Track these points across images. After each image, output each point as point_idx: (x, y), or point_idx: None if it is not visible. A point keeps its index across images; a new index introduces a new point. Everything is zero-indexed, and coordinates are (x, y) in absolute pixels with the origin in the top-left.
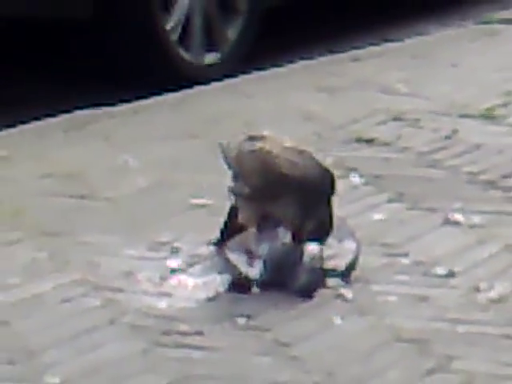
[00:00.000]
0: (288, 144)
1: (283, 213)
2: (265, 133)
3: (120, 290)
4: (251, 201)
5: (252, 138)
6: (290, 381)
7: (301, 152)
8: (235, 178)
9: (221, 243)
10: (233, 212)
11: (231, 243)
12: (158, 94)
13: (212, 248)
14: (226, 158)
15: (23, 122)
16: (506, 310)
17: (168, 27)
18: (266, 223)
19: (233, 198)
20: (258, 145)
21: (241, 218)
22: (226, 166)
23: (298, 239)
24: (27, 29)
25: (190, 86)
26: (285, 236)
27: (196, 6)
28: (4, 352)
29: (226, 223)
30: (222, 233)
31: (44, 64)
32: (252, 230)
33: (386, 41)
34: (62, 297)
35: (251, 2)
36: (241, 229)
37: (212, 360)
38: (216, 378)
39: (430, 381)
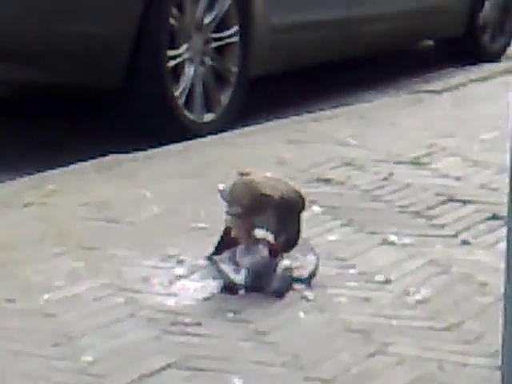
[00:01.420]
0: (268, 175)
1: (265, 225)
2: (250, 170)
3: (139, 291)
4: (242, 218)
5: (241, 174)
6: (266, 361)
7: (278, 180)
8: (230, 205)
9: (216, 255)
10: (226, 231)
11: (223, 256)
12: (168, 144)
13: (208, 260)
14: (222, 194)
15: (68, 164)
16: (428, 308)
17: (176, 94)
18: (249, 241)
19: (228, 219)
20: (246, 177)
21: (234, 233)
22: (222, 200)
23: (274, 254)
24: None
25: (192, 138)
26: (263, 251)
27: (197, 78)
28: (50, 337)
29: (220, 240)
30: (216, 248)
31: (82, 119)
32: (240, 246)
33: (339, 106)
34: (94, 296)
35: (239, 75)
36: (233, 244)
37: (208, 344)
38: (211, 358)
39: (372, 361)
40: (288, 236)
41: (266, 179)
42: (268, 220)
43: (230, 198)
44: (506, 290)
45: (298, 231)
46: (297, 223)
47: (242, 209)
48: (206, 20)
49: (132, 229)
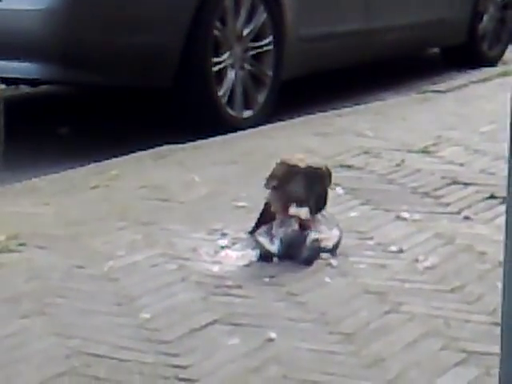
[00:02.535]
0: (301, 156)
1: (295, 191)
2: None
3: (188, 259)
4: (277, 190)
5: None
6: (297, 318)
7: (309, 158)
8: (268, 181)
9: (256, 228)
10: (266, 206)
11: (261, 230)
12: (213, 135)
13: (249, 233)
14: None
15: (129, 153)
16: (435, 274)
17: (220, 94)
18: (284, 215)
19: (268, 194)
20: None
21: (273, 207)
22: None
23: (304, 228)
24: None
25: (234, 131)
26: (295, 225)
27: (238, 81)
28: (115, 297)
29: (260, 216)
30: (256, 223)
31: (142, 116)
32: (276, 220)
33: (358, 104)
34: (151, 263)
35: (273, 78)
36: (270, 219)
37: (247, 304)
38: (249, 315)
39: (387, 318)
40: (316, 198)
41: (298, 158)
42: (297, 185)
43: (269, 175)
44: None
45: (325, 196)
46: (324, 190)
47: (277, 181)
48: (245, 31)
49: (182, 207)
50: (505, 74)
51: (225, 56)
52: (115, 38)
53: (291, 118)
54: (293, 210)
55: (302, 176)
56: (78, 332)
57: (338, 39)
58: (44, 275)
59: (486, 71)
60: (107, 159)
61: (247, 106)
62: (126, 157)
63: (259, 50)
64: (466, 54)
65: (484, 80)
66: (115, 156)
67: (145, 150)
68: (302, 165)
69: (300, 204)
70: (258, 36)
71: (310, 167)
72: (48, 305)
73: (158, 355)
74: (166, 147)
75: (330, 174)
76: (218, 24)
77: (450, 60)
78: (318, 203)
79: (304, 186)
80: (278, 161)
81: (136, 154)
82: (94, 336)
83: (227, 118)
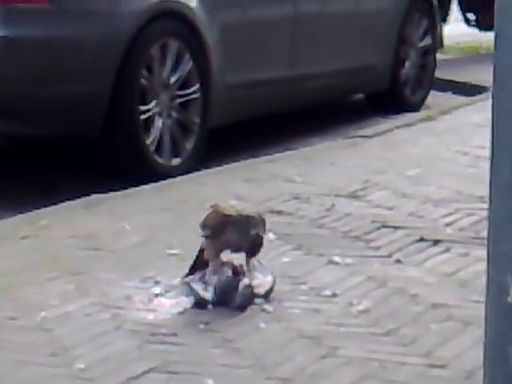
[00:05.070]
0: (234, 203)
1: (228, 239)
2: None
3: (122, 308)
4: (211, 239)
5: (213, 206)
6: (233, 364)
7: (241, 205)
8: (202, 229)
9: (190, 275)
10: (200, 253)
11: (194, 277)
12: (143, 184)
13: (181, 280)
14: (200, 224)
15: (60, 201)
16: (369, 317)
17: (148, 142)
18: (217, 262)
19: (202, 242)
20: (215, 206)
21: (205, 254)
22: (200, 229)
23: (237, 274)
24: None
25: (163, 179)
26: (228, 272)
27: (165, 129)
28: (49, 348)
29: (194, 262)
30: (190, 269)
31: (69, 166)
32: (209, 268)
33: (287, 149)
34: (85, 313)
35: (201, 125)
36: (204, 265)
37: (183, 351)
38: (186, 363)
39: (324, 362)
40: (250, 245)
41: (231, 206)
42: (231, 234)
43: (202, 223)
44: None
45: (259, 242)
46: (258, 236)
47: (210, 230)
48: (172, 80)
49: (114, 256)
50: (428, 119)
51: (152, 104)
52: (41, 87)
53: (219, 165)
54: (227, 256)
55: (234, 224)
56: None
57: (263, 86)
58: None
59: (410, 116)
60: (36, 209)
61: (176, 153)
62: (55, 206)
63: (186, 98)
64: (389, 100)
65: (408, 125)
66: (44, 206)
67: (74, 199)
68: (235, 213)
69: (234, 250)
70: (184, 84)
71: (243, 215)
72: None
73: None
74: (95, 196)
75: (263, 221)
76: (144, 72)
77: (374, 105)
78: (251, 250)
79: (238, 234)
80: (210, 209)
81: (65, 203)
82: None
83: (156, 166)
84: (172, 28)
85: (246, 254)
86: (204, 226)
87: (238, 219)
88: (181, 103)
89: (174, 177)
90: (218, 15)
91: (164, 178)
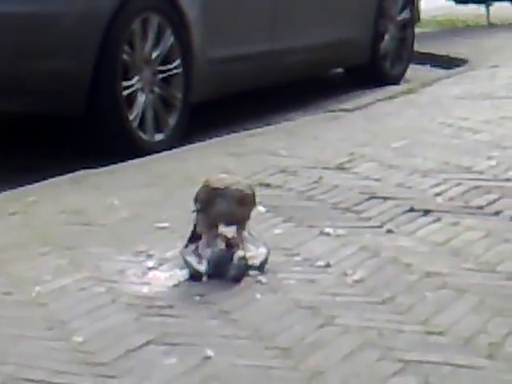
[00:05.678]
0: (224, 175)
1: (220, 212)
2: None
3: (116, 282)
4: (202, 213)
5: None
6: (232, 335)
7: (232, 177)
8: (194, 204)
9: (186, 246)
10: (194, 228)
11: (187, 250)
12: (127, 160)
13: (175, 252)
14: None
15: (46, 178)
16: (365, 286)
17: (131, 118)
18: (210, 235)
19: (194, 217)
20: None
21: (198, 229)
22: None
23: (230, 246)
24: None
25: (147, 154)
26: (221, 244)
27: (148, 104)
28: (46, 322)
29: (190, 236)
30: (188, 241)
31: (53, 140)
32: (202, 240)
33: (269, 124)
34: (79, 287)
35: (183, 101)
36: (199, 238)
37: (180, 323)
38: (184, 334)
39: (322, 332)
40: (242, 217)
41: (221, 178)
42: (222, 207)
43: (194, 198)
44: None
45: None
46: (249, 208)
47: (201, 203)
48: (154, 55)
49: (105, 230)
50: (409, 92)
51: (134, 80)
52: (21, 64)
53: (202, 140)
54: (219, 229)
55: (225, 197)
56: (11, 358)
57: (244, 61)
58: None
59: (391, 89)
60: (21, 186)
61: (158, 129)
62: (41, 183)
63: (168, 73)
64: (369, 74)
65: (390, 98)
66: (28, 183)
67: (61, 175)
68: (226, 185)
69: (226, 223)
70: (166, 59)
71: (234, 187)
72: None
73: (95, 377)
74: (81, 172)
75: (253, 193)
76: (126, 48)
77: (354, 79)
78: (243, 221)
79: (229, 207)
80: (202, 183)
81: (51, 179)
82: (29, 361)
83: (139, 142)
84: (153, 3)
85: (237, 227)
86: (195, 199)
87: (229, 191)
88: (163, 78)
89: (157, 152)
90: None
91: (148, 154)
